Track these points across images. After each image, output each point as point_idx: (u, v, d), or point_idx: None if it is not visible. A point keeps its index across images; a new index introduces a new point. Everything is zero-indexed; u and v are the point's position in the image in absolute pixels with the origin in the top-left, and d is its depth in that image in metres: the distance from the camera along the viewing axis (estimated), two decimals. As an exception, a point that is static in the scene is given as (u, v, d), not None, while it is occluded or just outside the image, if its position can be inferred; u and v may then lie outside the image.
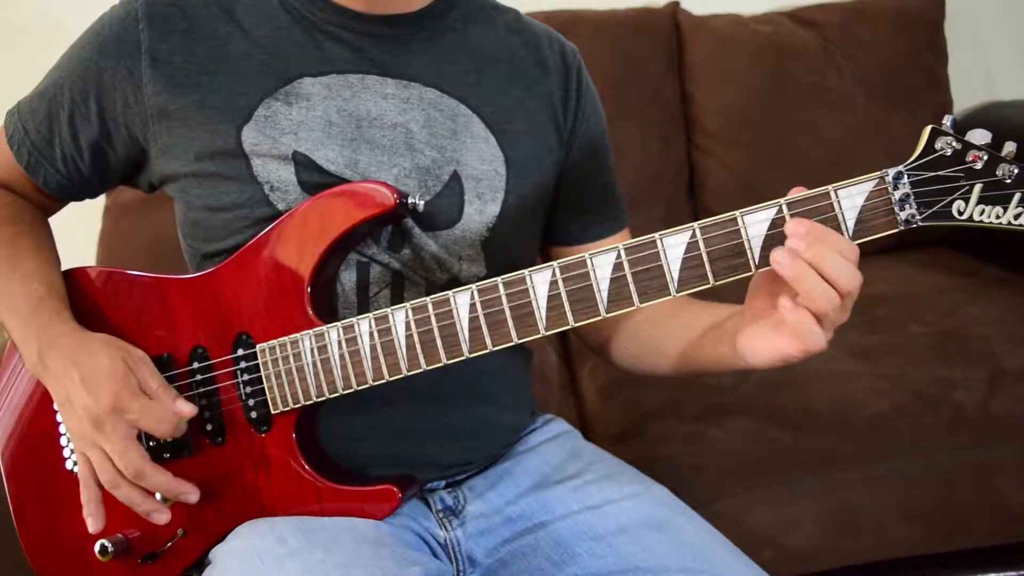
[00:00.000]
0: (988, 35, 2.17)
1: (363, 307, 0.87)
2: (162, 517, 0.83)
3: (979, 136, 0.69)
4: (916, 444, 1.21)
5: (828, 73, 1.88)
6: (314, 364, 0.82)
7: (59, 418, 0.91)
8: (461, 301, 0.77)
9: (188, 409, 0.82)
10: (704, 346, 0.87)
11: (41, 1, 1.94)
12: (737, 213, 0.71)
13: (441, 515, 0.91)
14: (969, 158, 0.69)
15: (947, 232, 1.90)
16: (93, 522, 0.84)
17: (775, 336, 0.73)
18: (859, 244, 0.71)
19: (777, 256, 0.69)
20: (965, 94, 2.02)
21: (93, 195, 0.99)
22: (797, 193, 0.71)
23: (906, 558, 1.22)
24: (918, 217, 0.70)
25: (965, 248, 1.83)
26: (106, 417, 0.79)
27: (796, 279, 0.69)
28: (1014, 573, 1.27)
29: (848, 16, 1.93)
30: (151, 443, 0.86)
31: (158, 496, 0.85)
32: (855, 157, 1.84)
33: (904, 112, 1.88)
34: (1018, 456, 1.20)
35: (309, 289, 0.82)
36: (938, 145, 0.69)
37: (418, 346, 0.78)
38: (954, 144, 0.69)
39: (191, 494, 0.83)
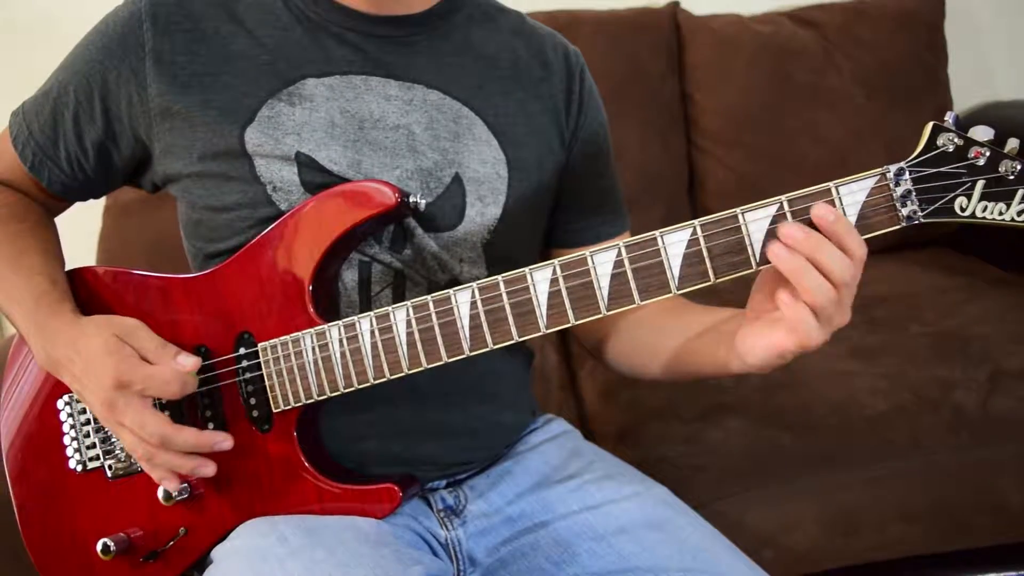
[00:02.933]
0: (988, 35, 2.17)
1: (365, 306, 0.87)
2: (208, 470, 0.82)
3: (982, 132, 0.69)
4: (916, 444, 1.21)
5: (828, 73, 1.89)
6: (315, 363, 0.82)
7: (62, 417, 0.91)
8: (462, 299, 0.77)
9: (190, 362, 0.81)
10: (701, 347, 0.87)
11: (41, 1, 1.94)
12: (738, 210, 0.71)
13: (442, 514, 0.91)
14: (971, 154, 0.69)
15: (947, 232, 1.90)
16: (167, 484, 0.83)
17: (772, 332, 0.73)
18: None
19: (775, 248, 0.70)
20: (965, 94, 2.02)
21: (97, 195, 0.99)
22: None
23: (906, 558, 1.22)
24: (920, 214, 0.70)
25: (965, 248, 1.83)
26: (115, 396, 0.80)
27: (793, 272, 0.69)
28: (1014, 573, 1.27)
29: (848, 16, 1.93)
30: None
31: (160, 494, 0.85)
32: (855, 157, 1.84)
33: (904, 112, 1.88)
34: (1018, 456, 1.20)
35: (311, 288, 0.83)
36: (940, 141, 0.69)
37: (419, 344, 0.79)
38: (956, 140, 0.69)
39: (223, 442, 0.82)
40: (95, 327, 0.83)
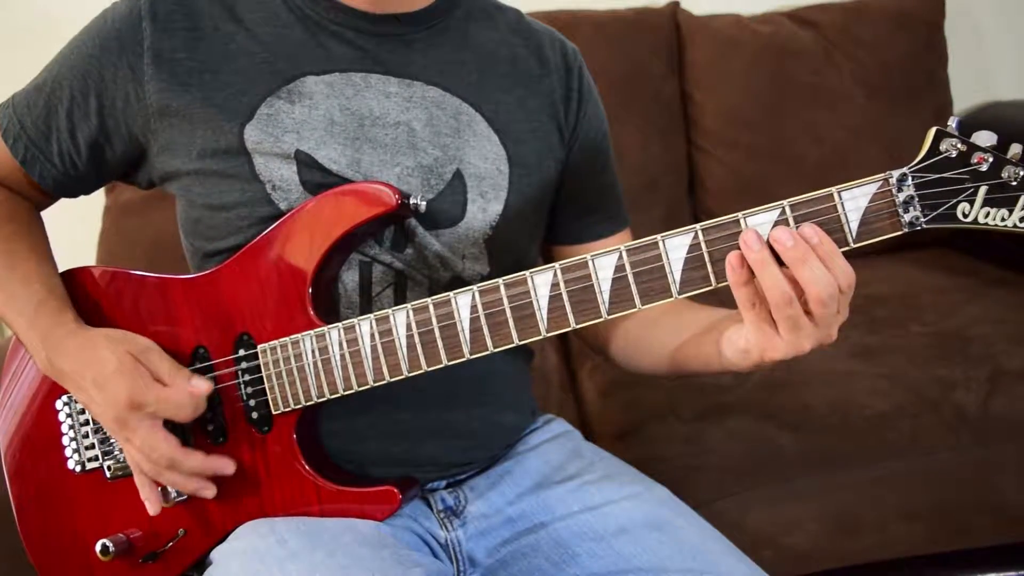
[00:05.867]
0: (988, 35, 2.17)
1: (365, 307, 0.87)
2: (209, 492, 0.84)
3: (985, 138, 0.69)
4: (916, 444, 1.21)
5: (828, 73, 1.88)
6: (315, 364, 0.82)
7: (61, 418, 0.91)
8: (462, 302, 0.77)
9: (204, 385, 0.82)
10: (694, 346, 0.87)
11: (41, 1, 1.94)
12: (740, 215, 0.71)
13: (442, 515, 0.91)
14: (974, 160, 0.69)
15: (947, 232, 1.90)
16: (150, 505, 0.85)
17: (744, 329, 0.74)
18: (861, 245, 0.71)
19: (745, 236, 0.70)
20: (965, 94, 2.02)
21: (88, 191, 0.99)
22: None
23: (906, 558, 1.22)
24: (922, 219, 0.70)
25: (965, 248, 1.83)
26: (127, 415, 0.80)
27: (758, 263, 0.69)
28: (1014, 573, 1.27)
29: (848, 16, 1.93)
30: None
31: (170, 493, 0.85)
32: (855, 157, 1.84)
33: (904, 112, 1.88)
34: (1018, 456, 1.21)
35: (311, 289, 0.82)
36: (943, 147, 0.69)
37: (419, 347, 0.78)
38: (959, 146, 0.69)
39: (227, 467, 0.84)
40: (107, 342, 0.83)
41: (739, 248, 0.71)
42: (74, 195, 0.98)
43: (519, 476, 0.95)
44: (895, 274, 1.71)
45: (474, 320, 0.77)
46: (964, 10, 2.07)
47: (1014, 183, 0.68)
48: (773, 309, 0.70)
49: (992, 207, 0.69)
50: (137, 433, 0.81)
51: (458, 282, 0.89)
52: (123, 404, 0.80)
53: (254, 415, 0.85)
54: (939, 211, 0.70)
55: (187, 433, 0.85)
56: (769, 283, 0.69)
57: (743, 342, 0.75)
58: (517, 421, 1.01)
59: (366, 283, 0.87)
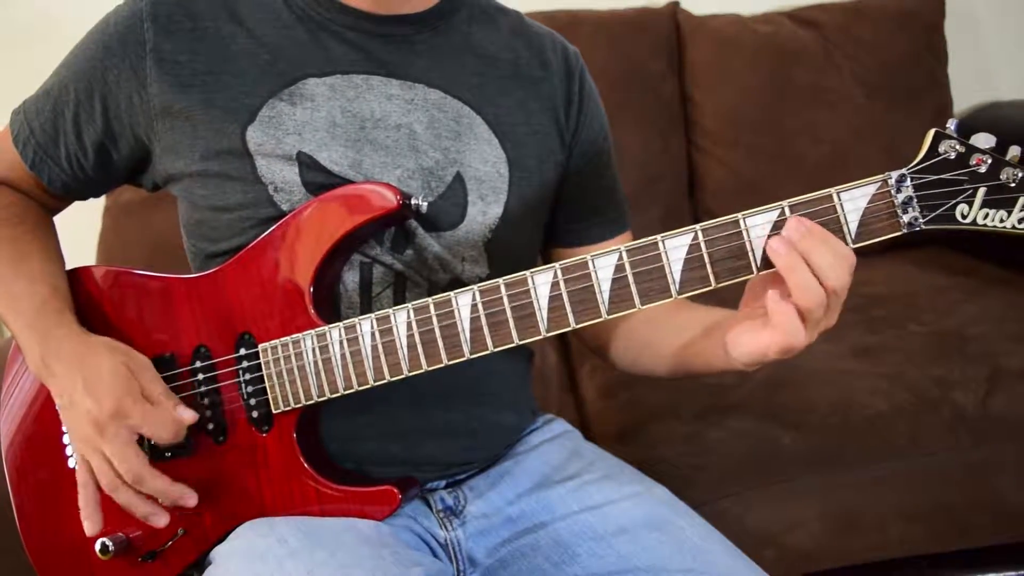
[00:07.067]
0: (988, 35, 2.17)
1: (366, 307, 0.87)
2: (160, 520, 0.84)
3: (983, 140, 0.69)
4: (916, 444, 1.21)
5: (828, 73, 1.89)
6: (315, 364, 0.82)
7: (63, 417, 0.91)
8: (463, 301, 0.77)
9: (189, 415, 0.82)
10: (697, 346, 0.87)
11: (41, 1, 1.94)
12: (739, 215, 0.71)
13: (442, 515, 0.91)
14: (973, 162, 0.69)
15: (946, 232, 1.90)
16: (90, 524, 0.84)
17: (759, 331, 0.74)
18: (860, 246, 0.71)
19: (774, 243, 0.70)
20: (965, 94, 2.02)
21: (97, 194, 0.99)
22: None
23: (906, 558, 1.22)
24: (921, 220, 0.70)
25: (964, 248, 1.83)
26: (108, 422, 0.80)
27: (788, 268, 0.69)
28: (1014, 573, 1.27)
29: (848, 16, 1.93)
30: (152, 441, 0.86)
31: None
32: (855, 157, 1.85)
33: (904, 112, 1.88)
34: (1018, 456, 1.21)
35: (312, 289, 0.83)
36: (941, 148, 0.69)
37: (419, 346, 0.79)
38: (958, 147, 0.69)
39: (189, 499, 0.83)
40: (106, 349, 0.83)
41: (743, 248, 0.71)
42: (84, 198, 0.99)
43: (519, 476, 0.95)
44: (894, 274, 1.71)
45: (474, 320, 0.77)
46: (964, 10, 2.07)
47: (1012, 184, 0.68)
48: (805, 313, 0.70)
49: (991, 208, 0.69)
50: (112, 442, 0.80)
51: (457, 284, 0.89)
52: (107, 410, 0.79)
53: (254, 414, 0.85)
54: (938, 212, 0.70)
55: (188, 433, 0.85)
56: (803, 285, 0.69)
57: (762, 345, 0.73)
58: (517, 421, 1.01)
59: (366, 283, 0.87)
